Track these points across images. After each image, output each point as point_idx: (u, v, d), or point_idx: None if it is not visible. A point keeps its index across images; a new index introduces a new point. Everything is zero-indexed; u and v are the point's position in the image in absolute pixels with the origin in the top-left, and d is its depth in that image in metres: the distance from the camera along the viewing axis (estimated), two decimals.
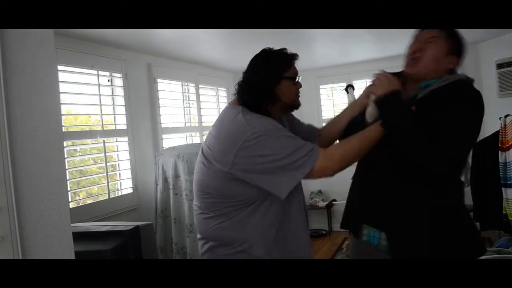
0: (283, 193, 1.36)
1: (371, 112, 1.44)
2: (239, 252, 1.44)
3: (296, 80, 1.47)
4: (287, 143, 1.34)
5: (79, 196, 3.08)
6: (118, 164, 3.24)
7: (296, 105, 1.50)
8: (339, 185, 4.99)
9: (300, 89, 1.50)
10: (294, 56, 1.46)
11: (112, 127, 3.18)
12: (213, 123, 1.51)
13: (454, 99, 1.32)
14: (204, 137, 4.61)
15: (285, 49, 1.47)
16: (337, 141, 1.64)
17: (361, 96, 1.61)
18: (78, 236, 1.76)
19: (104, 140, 3.03)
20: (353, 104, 1.65)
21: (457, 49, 1.42)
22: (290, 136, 1.38)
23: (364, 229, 1.49)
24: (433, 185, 1.36)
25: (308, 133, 1.65)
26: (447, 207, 1.37)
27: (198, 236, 1.55)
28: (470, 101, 1.34)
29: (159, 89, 3.68)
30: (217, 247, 1.47)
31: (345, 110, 1.67)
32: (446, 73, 1.41)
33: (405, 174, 1.37)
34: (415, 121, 1.32)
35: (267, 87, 1.41)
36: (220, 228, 1.44)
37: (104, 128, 3.07)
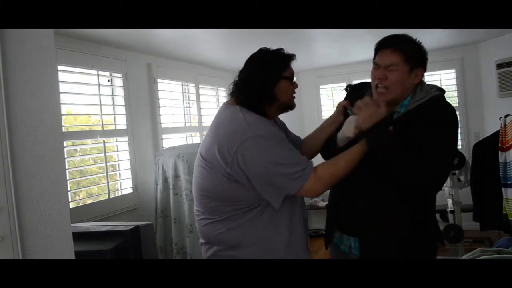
0: (276, 202, 1.37)
1: (342, 138, 1.48)
2: (244, 256, 1.43)
3: (293, 79, 1.48)
4: (287, 152, 1.36)
5: (79, 196, 3.08)
6: (118, 164, 3.24)
7: (292, 105, 1.50)
8: None
9: (296, 90, 1.51)
10: (291, 57, 1.46)
11: (112, 127, 3.18)
12: (211, 123, 1.49)
13: (433, 120, 1.37)
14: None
15: (282, 49, 1.47)
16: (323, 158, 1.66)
17: (334, 114, 1.65)
18: (78, 236, 1.76)
19: (104, 140, 3.03)
20: (328, 120, 1.67)
21: (419, 61, 1.42)
22: (290, 148, 1.40)
23: (335, 235, 1.60)
24: (410, 195, 1.44)
25: (294, 144, 1.64)
26: (418, 212, 1.46)
27: (202, 241, 1.53)
28: (448, 120, 1.40)
29: (159, 89, 3.68)
30: (223, 251, 1.46)
31: (322, 126, 1.69)
32: (417, 86, 1.45)
33: (386, 186, 1.43)
34: (401, 145, 1.36)
35: (266, 86, 1.40)
36: (224, 233, 1.43)
37: (104, 128, 3.07)
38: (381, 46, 1.44)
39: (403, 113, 1.44)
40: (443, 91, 1.49)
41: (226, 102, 1.50)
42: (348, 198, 1.52)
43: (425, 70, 1.46)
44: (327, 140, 1.64)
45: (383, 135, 1.36)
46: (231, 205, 1.42)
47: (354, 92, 1.63)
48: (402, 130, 1.39)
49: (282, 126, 1.64)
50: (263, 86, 1.40)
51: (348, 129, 1.44)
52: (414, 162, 1.34)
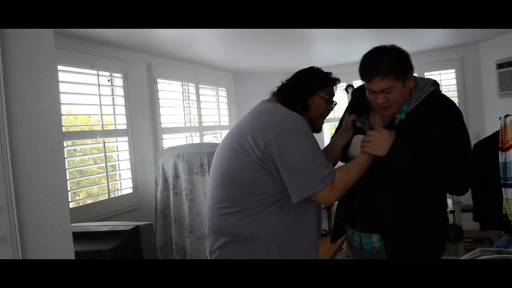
0: (297, 196, 1.40)
1: (352, 154, 1.52)
2: (255, 251, 1.44)
3: (330, 102, 1.56)
4: (318, 153, 1.42)
5: (79, 196, 3.08)
6: (118, 164, 3.24)
7: (317, 126, 1.57)
8: None
9: (328, 113, 1.58)
10: (334, 81, 1.56)
11: (112, 127, 3.18)
12: (245, 115, 1.55)
13: (437, 119, 1.41)
14: (204, 137, 4.61)
15: (330, 73, 1.58)
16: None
17: (344, 129, 1.69)
18: (78, 236, 1.76)
19: (104, 140, 3.03)
20: (339, 136, 1.70)
21: (407, 68, 1.43)
22: (321, 152, 1.46)
23: (347, 232, 1.64)
24: (431, 194, 1.47)
25: None
26: (436, 210, 1.51)
27: (209, 231, 1.54)
28: (451, 112, 1.44)
29: (159, 89, 3.68)
30: (230, 243, 1.46)
31: (335, 140, 1.72)
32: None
33: (405, 185, 1.46)
34: (422, 154, 1.38)
35: (303, 95, 1.51)
36: (240, 224, 1.44)
37: (104, 128, 3.07)
38: (369, 75, 1.42)
39: (404, 118, 1.48)
40: (437, 84, 1.51)
41: (264, 100, 1.57)
42: (361, 196, 1.54)
43: (413, 71, 1.48)
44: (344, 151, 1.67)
45: (403, 155, 1.40)
46: (254, 194, 1.43)
47: (358, 95, 1.64)
48: (406, 134, 1.42)
49: None
50: (301, 93, 1.51)
51: (355, 149, 1.50)
52: (439, 170, 1.39)
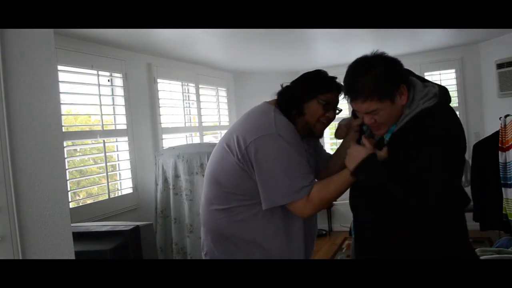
0: (267, 203, 1.38)
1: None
2: (239, 250, 1.45)
3: (327, 107, 1.48)
4: (298, 162, 1.38)
5: (79, 196, 3.08)
6: (118, 164, 3.24)
7: (316, 132, 1.51)
8: None
9: (328, 120, 1.50)
10: (335, 85, 1.49)
11: (112, 127, 3.18)
12: (242, 115, 1.56)
13: (418, 140, 1.24)
14: (204, 137, 4.61)
15: (334, 77, 1.52)
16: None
17: (352, 134, 1.56)
18: (78, 236, 1.76)
19: (104, 140, 3.03)
20: (348, 140, 1.57)
21: (395, 83, 1.26)
22: (303, 161, 1.40)
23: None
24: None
25: (323, 162, 1.67)
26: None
27: (202, 227, 1.59)
28: (437, 133, 1.23)
29: (159, 89, 3.68)
30: (217, 240, 1.50)
31: (343, 143, 1.62)
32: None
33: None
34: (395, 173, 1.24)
35: (299, 98, 1.47)
36: (225, 221, 1.47)
37: (104, 128, 3.07)
38: (350, 95, 1.30)
39: (389, 139, 1.34)
40: (442, 96, 1.30)
41: (266, 101, 1.55)
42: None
43: (408, 84, 1.29)
44: None
45: (368, 172, 1.29)
46: (236, 194, 1.44)
47: None
48: (394, 155, 1.30)
49: (314, 142, 1.63)
50: (298, 97, 1.47)
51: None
52: (414, 195, 1.21)
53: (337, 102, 1.52)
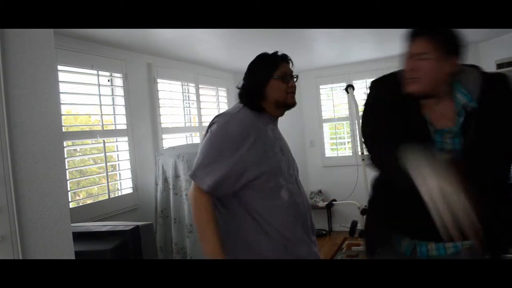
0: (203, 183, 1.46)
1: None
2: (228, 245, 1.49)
3: (286, 79, 1.56)
4: (220, 148, 1.46)
5: (79, 196, 3.08)
6: (118, 164, 3.24)
7: (288, 103, 1.59)
8: (339, 186, 5.02)
9: (293, 88, 1.59)
10: (281, 57, 1.58)
11: (112, 127, 3.18)
12: None
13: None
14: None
15: (276, 52, 1.59)
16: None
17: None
18: (78, 236, 1.76)
19: (104, 140, 3.03)
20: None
21: (452, 49, 1.26)
22: (227, 151, 1.45)
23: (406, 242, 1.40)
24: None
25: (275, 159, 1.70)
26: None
27: None
28: None
29: (159, 89, 3.68)
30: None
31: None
32: (452, 76, 1.28)
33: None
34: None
35: (257, 87, 1.55)
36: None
37: (104, 128, 3.07)
38: (414, 34, 1.27)
39: (476, 106, 1.25)
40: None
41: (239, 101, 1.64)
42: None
43: (460, 60, 1.28)
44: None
45: None
46: None
47: (380, 86, 1.42)
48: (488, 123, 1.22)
49: (277, 133, 1.64)
50: (255, 86, 1.55)
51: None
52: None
53: (291, 70, 1.60)
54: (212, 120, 1.53)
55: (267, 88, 1.54)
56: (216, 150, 1.46)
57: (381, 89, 1.39)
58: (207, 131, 1.52)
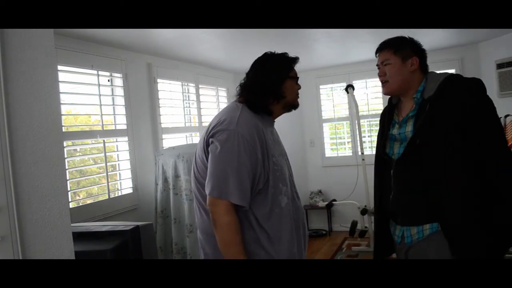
0: (206, 189, 1.42)
1: None
2: (210, 245, 1.49)
3: (297, 80, 1.61)
4: (246, 163, 1.40)
5: (79, 196, 3.08)
6: (118, 164, 3.24)
7: (296, 104, 1.63)
8: (339, 186, 5.02)
9: (299, 92, 1.63)
10: (295, 59, 1.61)
11: (112, 127, 3.18)
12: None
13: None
14: None
15: (286, 53, 1.61)
16: None
17: None
18: (78, 236, 1.77)
19: (104, 140, 3.03)
20: None
21: (410, 51, 1.54)
22: (246, 163, 1.41)
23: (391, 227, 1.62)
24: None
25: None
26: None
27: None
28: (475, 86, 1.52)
29: (159, 89, 3.68)
30: (201, 236, 1.56)
31: None
32: (417, 73, 1.54)
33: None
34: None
35: (274, 85, 1.53)
36: (199, 219, 1.56)
37: (104, 128, 3.07)
38: (379, 48, 1.60)
39: (424, 99, 1.50)
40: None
41: (235, 100, 1.60)
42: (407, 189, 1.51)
43: (421, 58, 1.54)
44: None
45: None
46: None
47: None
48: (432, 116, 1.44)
49: (275, 136, 1.66)
50: (272, 84, 1.53)
51: None
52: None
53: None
54: (215, 128, 1.45)
55: (283, 87, 1.54)
56: (235, 161, 1.39)
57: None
58: (210, 141, 1.45)
